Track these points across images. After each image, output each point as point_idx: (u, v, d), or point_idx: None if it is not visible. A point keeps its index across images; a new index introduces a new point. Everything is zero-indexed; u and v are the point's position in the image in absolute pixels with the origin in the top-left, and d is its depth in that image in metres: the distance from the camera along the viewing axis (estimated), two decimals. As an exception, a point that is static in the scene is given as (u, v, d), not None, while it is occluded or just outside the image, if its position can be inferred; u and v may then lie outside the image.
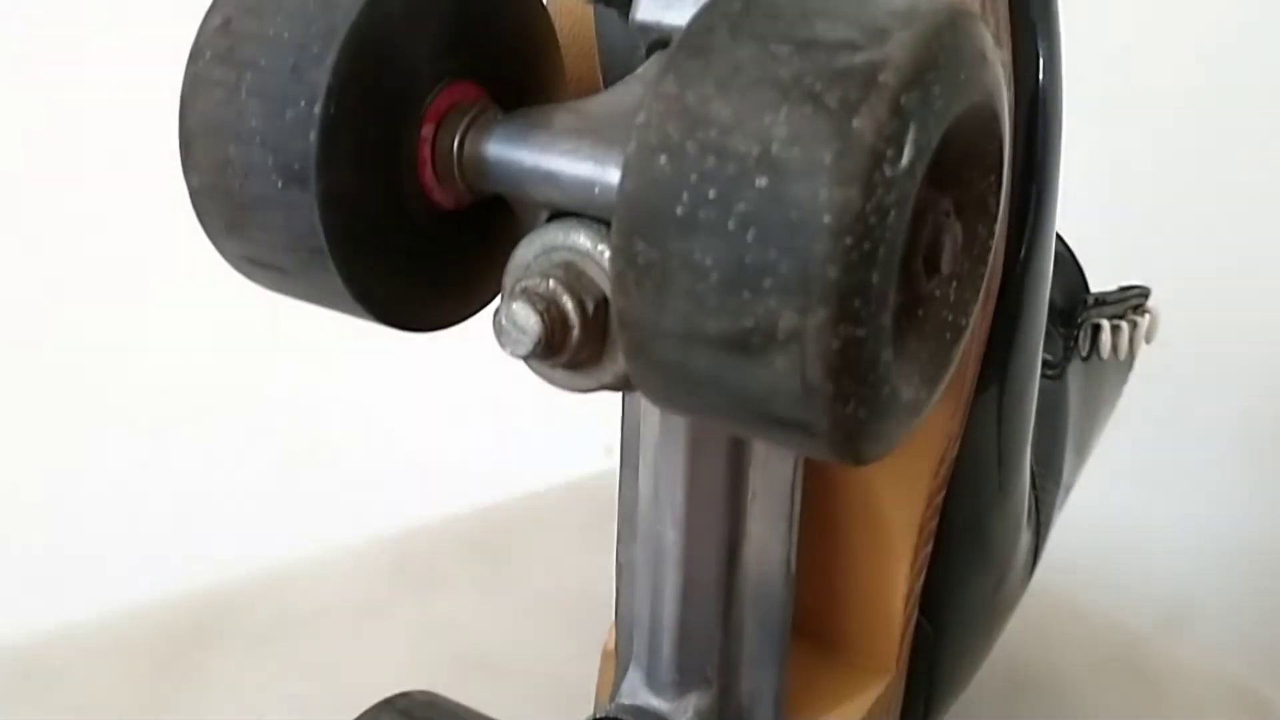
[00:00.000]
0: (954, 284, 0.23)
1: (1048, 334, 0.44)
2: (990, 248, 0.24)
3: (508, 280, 0.26)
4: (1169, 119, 0.72)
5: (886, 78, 0.19)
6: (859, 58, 0.19)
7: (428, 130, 0.25)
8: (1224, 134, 0.72)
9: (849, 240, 0.19)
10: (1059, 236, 0.51)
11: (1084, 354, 0.46)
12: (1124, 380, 0.51)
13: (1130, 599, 0.69)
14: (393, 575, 0.58)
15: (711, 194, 0.19)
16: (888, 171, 0.19)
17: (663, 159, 0.20)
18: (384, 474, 0.60)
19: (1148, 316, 0.51)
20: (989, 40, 0.21)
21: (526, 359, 0.24)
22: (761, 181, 0.19)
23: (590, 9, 0.30)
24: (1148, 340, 0.51)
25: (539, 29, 0.28)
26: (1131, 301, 0.50)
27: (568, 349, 0.24)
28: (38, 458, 0.58)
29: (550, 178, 0.25)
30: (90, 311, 0.65)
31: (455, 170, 0.26)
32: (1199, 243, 0.73)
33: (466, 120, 0.26)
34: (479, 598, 0.57)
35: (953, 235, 0.22)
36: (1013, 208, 0.30)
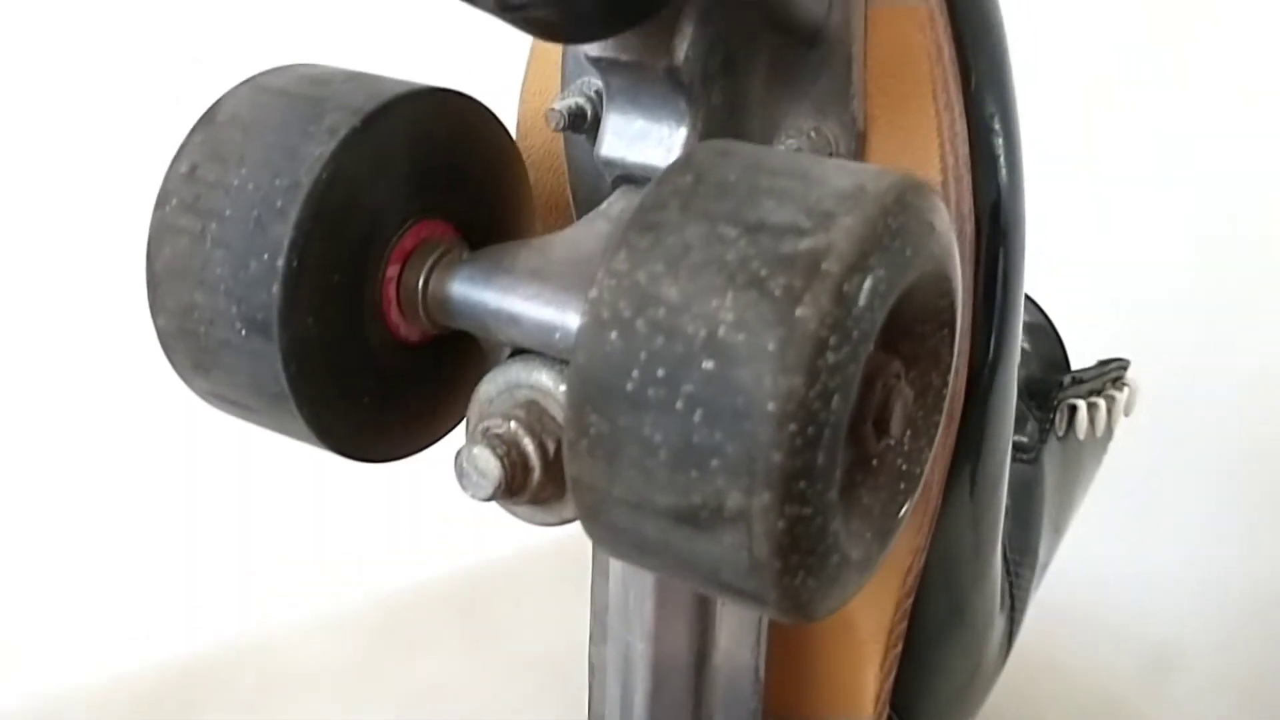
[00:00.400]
0: (907, 434, 0.23)
1: (1022, 417, 0.45)
2: (945, 395, 0.24)
3: (471, 417, 0.26)
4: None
5: (830, 265, 0.19)
6: (803, 244, 0.19)
7: (393, 270, 0.26)
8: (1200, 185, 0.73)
9: (793, 427, 0.19)
10: (1039, 307, 0.51)
11: (1060, 434, 0.47)
12: (1102, 454, 0.51)
13: (1111, 650, 0.69)
14: (377, 636, 0.58)
15: (660, 373, 0.20)
16: (831, 358, 0.19)
17: (614, 334, 0.20)
18: (367, 533, 0.60)
19: (1126, 390, 0.51)
20: (939, 209, 0.21)
21: (487, 501, 0.25)
22: (708, 364, 0.19)
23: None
24: (1126, 413, 0.51)
25: (508, 164, 0.28)
26: (1111, 375, 0.50)
27: (528, 490, 0.25)
28: (15, 524, 0.58)
29: (513, 320, 0.25)
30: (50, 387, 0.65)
31: (420, 308, 0.26)
32: (1183, 286, 0.73)
33: (432, 259, 0.26)
34: (464, 659, 0.57)
35: (903, 399, 0.22)
36: (976, 321, 0.30)
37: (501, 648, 0.58)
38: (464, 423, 0.27)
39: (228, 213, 0.24)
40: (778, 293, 0.19)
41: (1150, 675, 0.68)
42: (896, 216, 0.20)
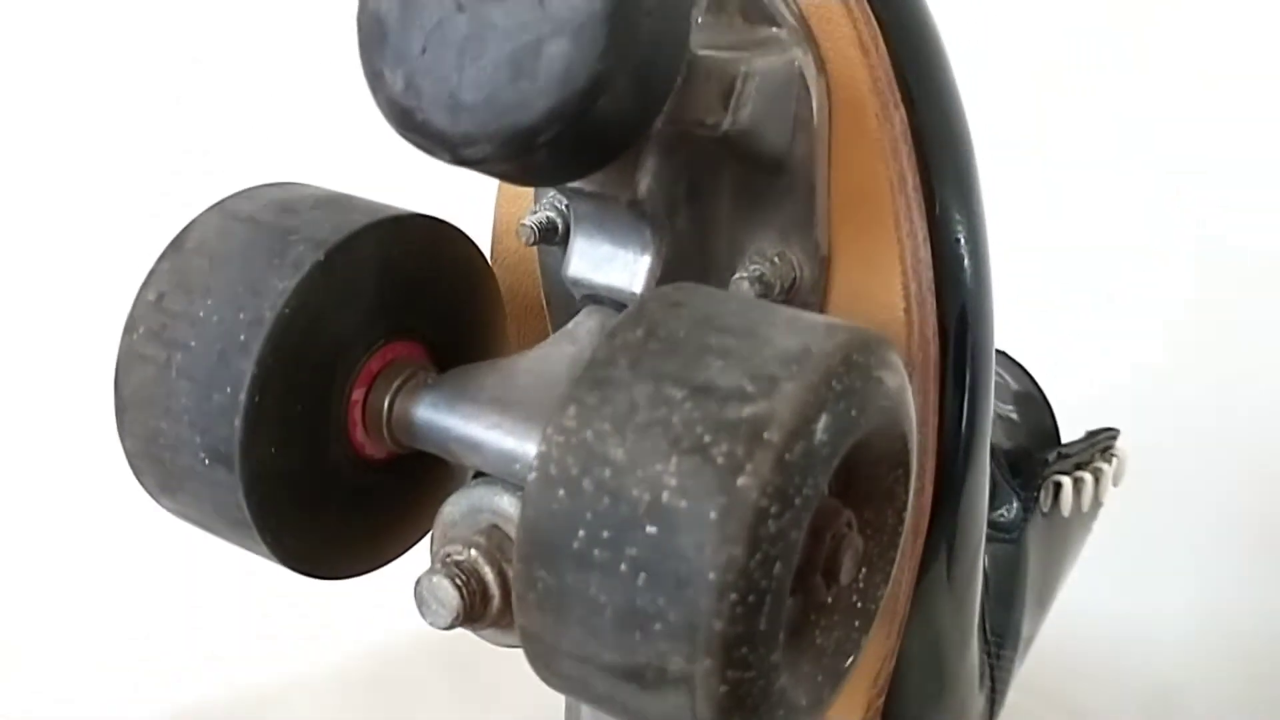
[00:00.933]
0: (861, 572, 0.24)
1: (1004, 494, 0.45)
2: (901, 532, 0.24)
3: (434, 539, 0.26)
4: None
5: (771, 435, 0.19)
6: (746, 410, 0.20)
7: (358, 393, 0.26)
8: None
9: (734, 596, 0.19)
10: (1027, 374, 0.51)
11: (1045, 510, 0.47)
12: (1089, 526, 0.51)
13: (1115, 693, 0.69)
14: (367, 692, 0.58)
15: (605, 534, 0.20)
16: (772, 526, 0.19)
17: (561, 492, 0.20)
18: (356, 587, 0.60)
19: (1115, 460, 0.51)
20: (889, 363, 0.22)
21: (447, 629, 0.25)
22: (651, 529, 0.19)
23: None
24: (1115, 483, 0.51)
25: (478, 283, 0.28)
26: (1100, 445, 0.50)
27: (489, 616, 0.25)
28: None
29: (475, 447, 0.25)
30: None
31: (384, 430, 0.26)
32: (1183, 332, 0.73)
33: (398, 382, 0.26)
34: (455, 715, 0.57)
35: (854, 548, 0.22)
36: (944, 421, 0.30)
37: (492, 704, 0.58)
38: (428, 540, 0.27)
39: (192, 344, 0.24)
40: (720, 460, 0.19)
41: (1154, 716, 0.68)
42: (842, 379, 0.20)
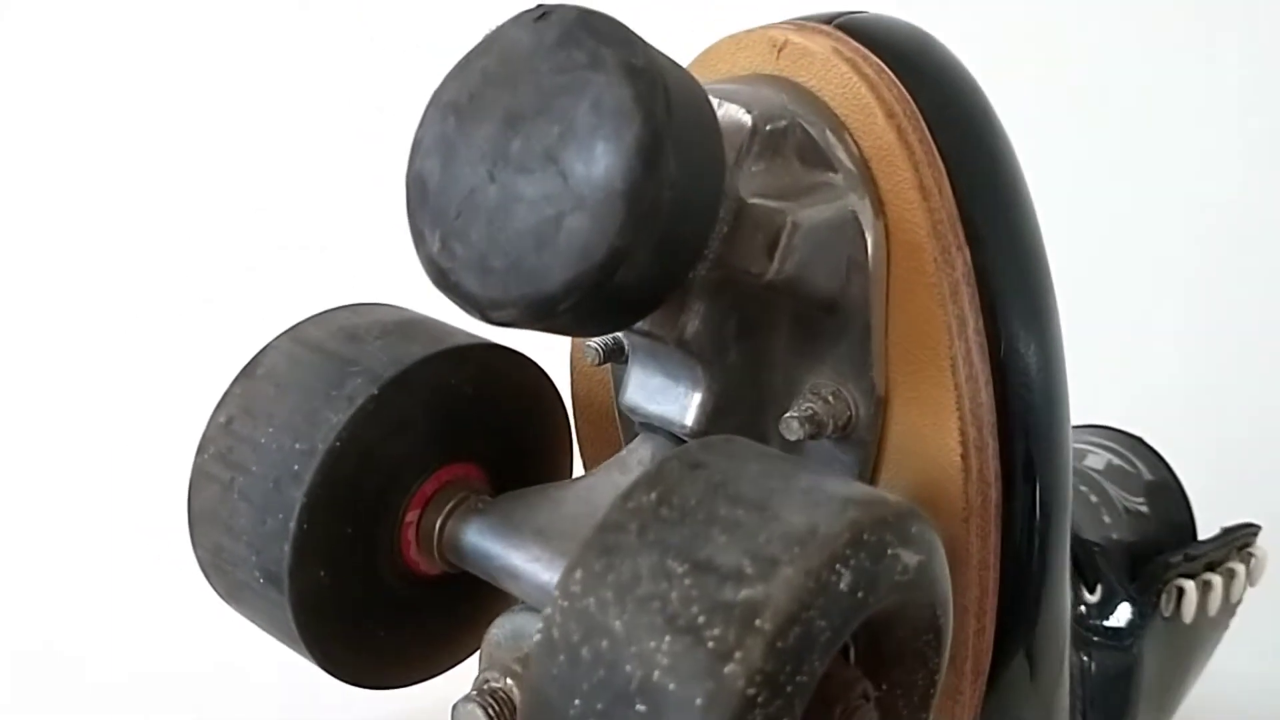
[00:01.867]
0: None
1: (1116, 599, 0.43)
2: (933, 693, 0.24)
3: (481, 659, 0.27)
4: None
5: (764, 622, 0.19)
6: (743, 593, 0.20)
7: (412, 515, 0.27)
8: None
9: (717, 783, 0.19)
10: (1164, 463, 0.49)
11: (1166, 615, 0.44)
12: (1222, 628, 0.49)
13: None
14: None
15: (600, 706, 0.20)
16: (760, 715, 0.19)
17: (561, 658, 0.21)
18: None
19: (1253, 560, 0.48)
20: (913, 538, 0.21)
21: None
22: (641, 707, 0.20)
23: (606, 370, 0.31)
24: (1251, 583, 0.48)
25: (536, 406, 0.29)
26: (1236, 543, 0.47)
27: None
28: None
29: (515, 576, 0.26)
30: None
31: (435, 550, 0.27)
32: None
33: (451, 504, 0.27)
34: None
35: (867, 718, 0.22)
36: (1012, 559, 0.29)
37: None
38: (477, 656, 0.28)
39: (253, 469, 0.26)
40: (711, 644, 0.19)
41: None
42: (848, 561, 0.20)
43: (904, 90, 0.26)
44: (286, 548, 0.25)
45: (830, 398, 0.27)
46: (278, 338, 0.27)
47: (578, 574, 0.21)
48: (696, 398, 0.27)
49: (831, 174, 0.26)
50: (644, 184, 0.21)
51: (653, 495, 0.22)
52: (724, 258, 0.25)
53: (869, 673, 0.23)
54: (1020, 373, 0.27)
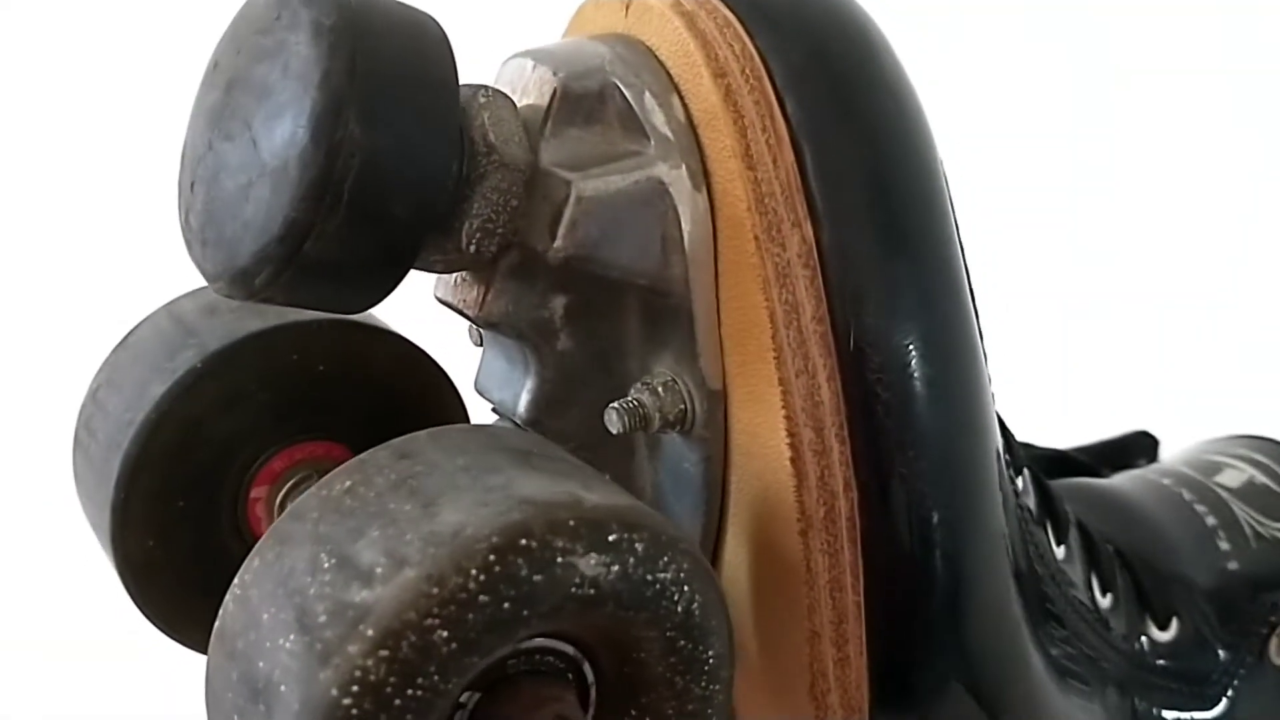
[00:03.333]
0: None
1: (1198, 640, 0.36)
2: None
3: None
4: None
5: (367, 628, 0.18)
6: (361, 594, 0.18)
7: (259, 491, 0.27)
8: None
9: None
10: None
11: (1276, 661, 0.37)
12: None
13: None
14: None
15: (240, 701, 0.19)
16: (358, 729, 0.17)
17: (224, 649, 0.20)
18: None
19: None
20: (622, 549, 0.19)
21: None
22: (261, 707, 0.19)
23: None
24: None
25: (422, 387, 0.28)
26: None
27: None
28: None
29: None
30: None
31: None
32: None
33: (295, 481, 0.27)
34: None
35: None
36: (888, 587, 0.25)
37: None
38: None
39: (99, 436, 0.26)
40: (319, 646, 0.18)
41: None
42: (491, 568, 0.18)
43: (752, 46, 0.23)
44: (108, 515, 0.25)
45: (660, 389, 0.24)
46: (156, 310, 0.28)
47: (255, 562, 0.20)
48: (529, 383, 0.25)
49: (644, 141, 0.23)
50: (314, 152, 0.19)
51: (346, 484, 0.20)
52: (520, 235, 0.23)
53: (615, 697, 0.21)
54: (878, 369, 0.23)
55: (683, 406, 0.24)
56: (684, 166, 0.23)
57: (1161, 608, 0.35)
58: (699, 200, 0.23)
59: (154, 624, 0.27)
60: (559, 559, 0.19)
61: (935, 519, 0.24)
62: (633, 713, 0.21)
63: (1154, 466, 0.40)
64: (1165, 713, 0.35)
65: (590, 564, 0.19)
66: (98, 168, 0.65)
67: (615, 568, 0.19)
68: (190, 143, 0.22)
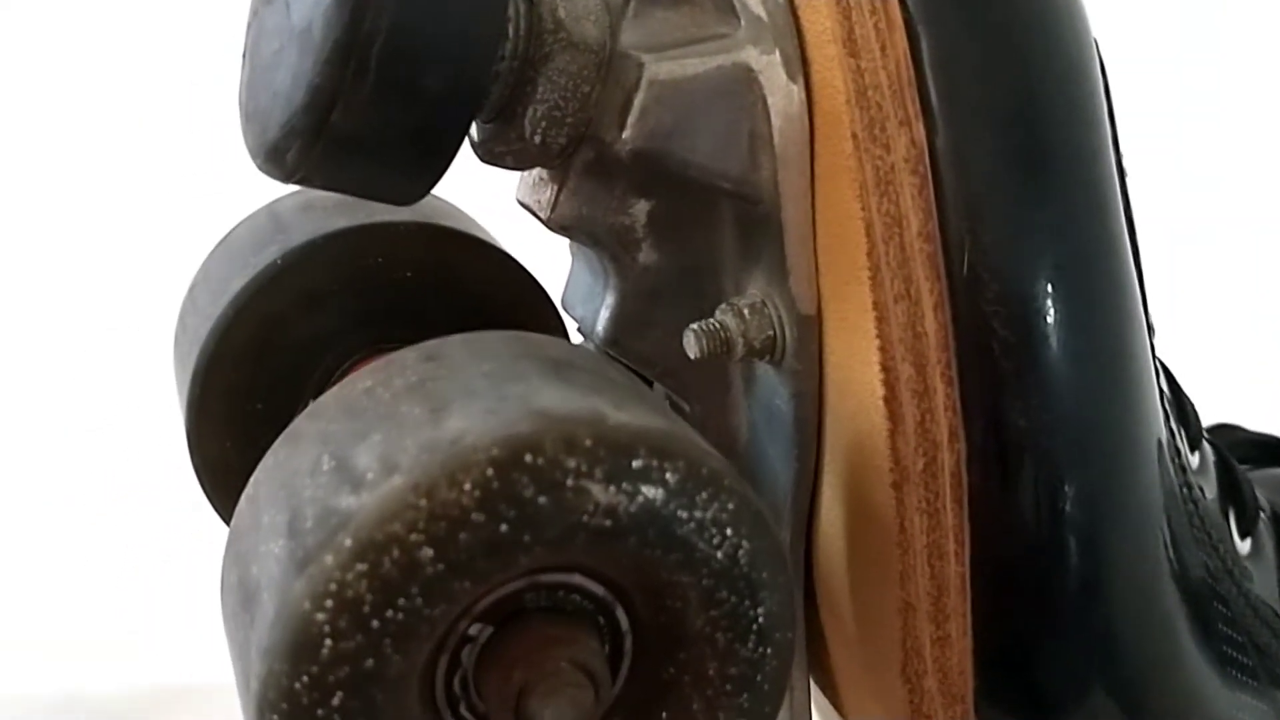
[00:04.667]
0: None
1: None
2: (740, 691, 0.18)
3: None
4: None
5: (345, 537, 0.16)
6: (347, 500, 0.16)
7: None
8: None
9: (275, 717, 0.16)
10: None
11: None
12: None
13: None
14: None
15: (236, 606, 0.18)
16: (336, 646, 0.16)
17: (230, 552, 0.19)
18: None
19: None
20: (651, 478, 0.16)
21: None
22: (247, 616, 0.17)
23: None
24: None
25: (515, 301, 0.26)
26: None
27: None
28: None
29: None
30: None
31: None
32: None
33: None
34: None
35: (563, 697, 0.17)
36: (1004, 552, 0.21)
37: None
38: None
39: (187, 330, 0.26)
40: (299, 554, 0.16)
41: None
42: (489, 484, 0.16)
43: None
44: (187, 415, 0.25)
45: (746, 311, 0.21)
46: (259, 209, 0.27)
47: (268, 460, 0.19)
48: (609, 299, 0.22)
49: (734, 22, 0.20)
50: (338, 11, 0.17)
51: (368, 383, 0.19)
52: (593, 124, 0.20)
53: (651, 648, 0.19)
54: (996, 300, 0.19)
55: (771, 332, 0.21)
56: (778, 52, 0.20)
57: None
58: (794, 92, 0.20)
59: (222, 517, 0.26)
60: (569, 481, 0.16)
61: (1067, 488, 0.20)
62: (670, 670, 0.19)
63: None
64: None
65: (608, 491, 0.16)
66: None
67: (640, 498, 0.17)
68: (250, 20, 0.21)
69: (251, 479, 0.19)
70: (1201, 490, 0.25)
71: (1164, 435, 0.22)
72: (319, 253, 0.24)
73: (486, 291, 0.26)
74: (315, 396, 0.26)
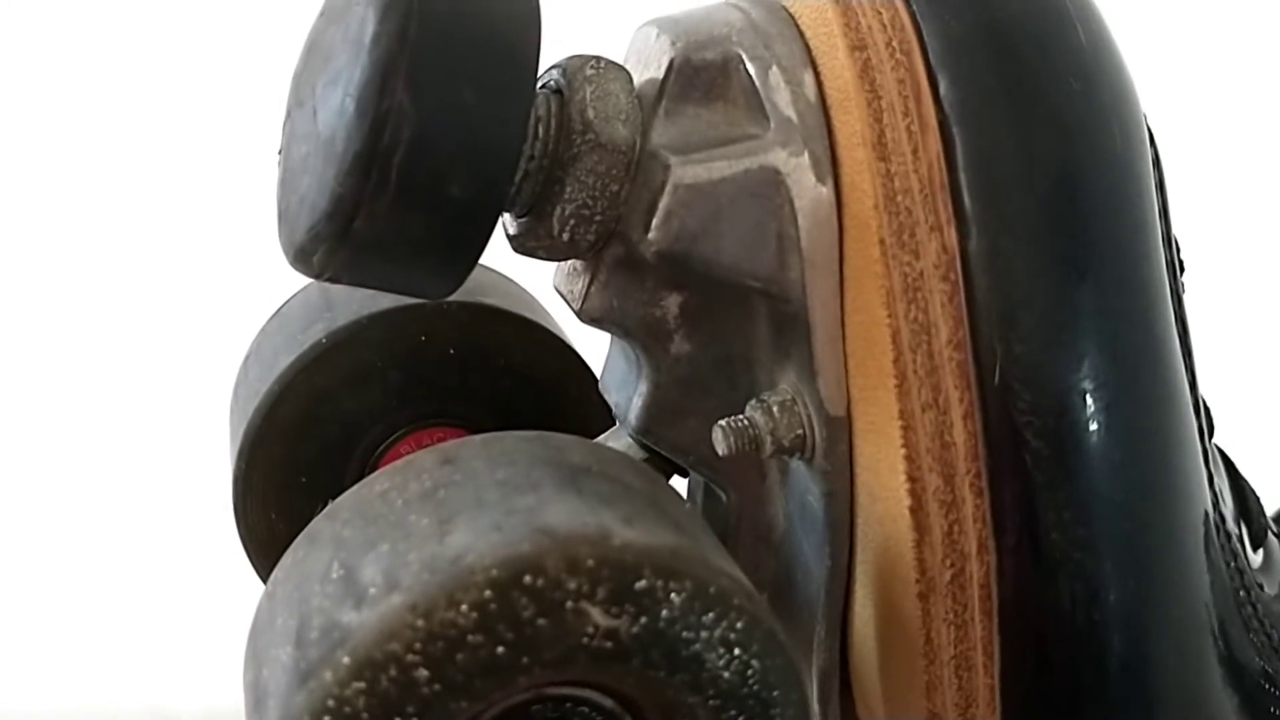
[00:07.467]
0: None
1: None
2: None
3: None
4: None
5: (344, 654, 0.16)
6: (349, 615, 0.16)
7: (383, 474, 0.26)
8: None
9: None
10: None
11: None
12: None
13: None
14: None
15: (251, 703, 0.18)
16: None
17: (251, 647, 0.19)
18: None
19: None
20: (653, 599, 0.16)
21: None
22: (257, 717, 0.17)
23: None
24: None
25: (556, 376, 0.26)
26: None
27: None
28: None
29: None
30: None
31: None
32: None
33: None
34: None
35: None
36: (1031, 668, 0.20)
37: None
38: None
39: (238, 403, 0.26)
40: (302, 665, 0.17)
41: None
42: (486, 605, 0.16)
43: (905, 13, 0.19)
44: (234, 489, 0.25)
45: (775, 409, 0.21)
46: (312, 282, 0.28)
47: (287, 559, 0.19)
48: (642, 388, 0.22)
49: (765, 122, 0.20)
50: (359, 123, 0.18)
51: (385, 485, 0.19)
52: (622, 221, 0.20)
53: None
54: (1029, 410, 0.19)
55: (800, 431, 0.21)
56: (807, 154, 0.20)
57: None
58: (822, 194, 0.20)
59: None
60: (569, 603, 0.16)
61: (1103, 603, 0.20)
62: None
63: None
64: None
65: (609, 613, 0.16)
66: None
67: (642, 619, 0.16)
68: (286, 115, 0.21)
69: (273, 575, 0.19)
70: (1261, 587, 0.24)
71: (1216, 540, 0.22)
72: (364, 331, 0.25)
73: (530, 368, 0.26)
74: (360, 471, 0.26)
